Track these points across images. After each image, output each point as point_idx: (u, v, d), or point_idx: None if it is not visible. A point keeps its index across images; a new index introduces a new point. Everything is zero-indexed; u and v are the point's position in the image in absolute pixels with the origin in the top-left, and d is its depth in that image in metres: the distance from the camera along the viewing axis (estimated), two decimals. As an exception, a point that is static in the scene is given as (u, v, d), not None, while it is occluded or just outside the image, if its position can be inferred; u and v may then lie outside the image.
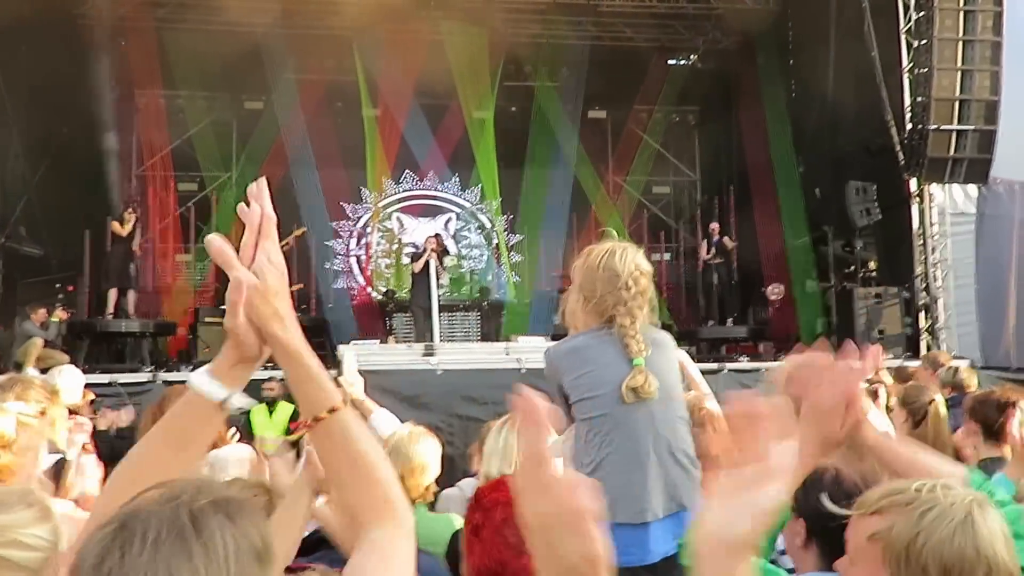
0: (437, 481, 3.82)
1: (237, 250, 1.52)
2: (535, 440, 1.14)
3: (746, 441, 1.18)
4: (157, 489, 1.23)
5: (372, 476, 1.57)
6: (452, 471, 5.18)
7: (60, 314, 14.16)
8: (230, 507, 1.22)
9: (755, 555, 1.19)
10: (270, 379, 10.78)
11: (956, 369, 7.09)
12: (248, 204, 1.57)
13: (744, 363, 13.50)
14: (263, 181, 1.60)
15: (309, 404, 1.54)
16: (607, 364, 3.30)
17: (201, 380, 1.55)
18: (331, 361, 10.99)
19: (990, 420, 4.35)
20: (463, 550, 2.22)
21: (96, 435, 5.74)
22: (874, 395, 4.37)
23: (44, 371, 6.40)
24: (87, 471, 4.05)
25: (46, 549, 2.02)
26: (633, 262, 3.43)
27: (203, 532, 1.16)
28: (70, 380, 5.89)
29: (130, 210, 15.72)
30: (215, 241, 1.48)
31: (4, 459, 3.13)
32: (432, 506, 3.86)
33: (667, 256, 20.45)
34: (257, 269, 1.51)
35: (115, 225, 15.14)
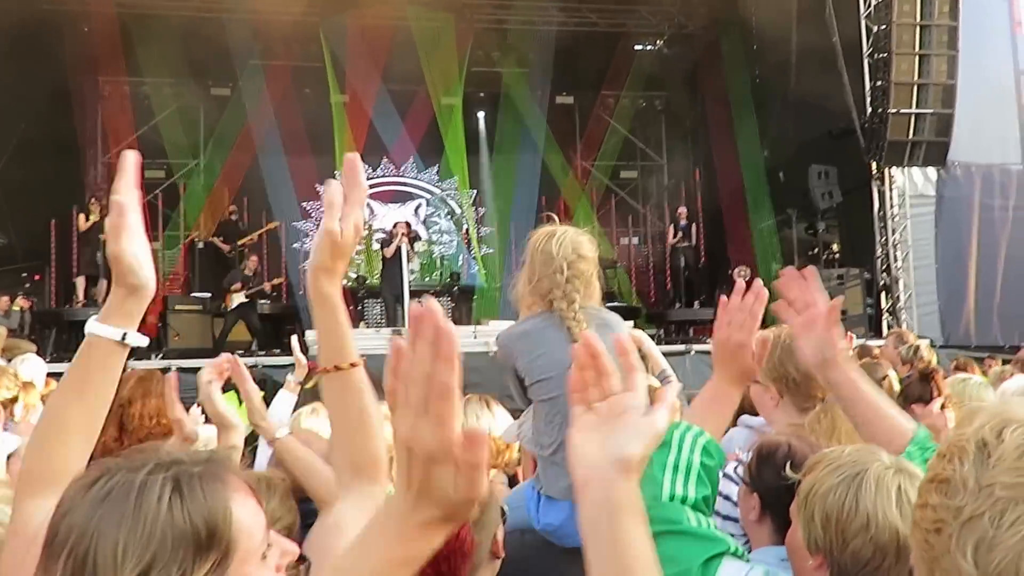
0: None
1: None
2: (443, 368, 1.04)
3: (597, 375, 1.24)
4: (147, 452, 1.29)
5: (372, 432, 1.68)
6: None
7: (21, 302, 14.03)
8: (189, 484, 1.23)
9: (639, 477, 1.22)
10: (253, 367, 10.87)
11: (916, 347, 7.28)
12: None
13: (711, 345, 13.62)
14: (357, 157, 1.68)
15: (334, 353, 1.67)
16: (556, 347, 3.22)
17: (95, 325, 1.61)
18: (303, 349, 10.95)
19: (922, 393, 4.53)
20: None
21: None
22: None
23: (8, 360, 6.43)
24: None
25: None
26: (570, 246, 3.35)
27: (142, 501, 1.19)
28: (33, 369, 5.94)
29: (94, 200, 15.63)
30: (335, 187, 1.63)
31: None
32: None
33: (635, 240, 20.65)
34: (343, 227, 1.63)
35: (80, 219, 15.08)
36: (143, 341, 1.66)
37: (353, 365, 1.67)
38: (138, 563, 1.16)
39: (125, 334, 1.62)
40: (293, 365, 5.56)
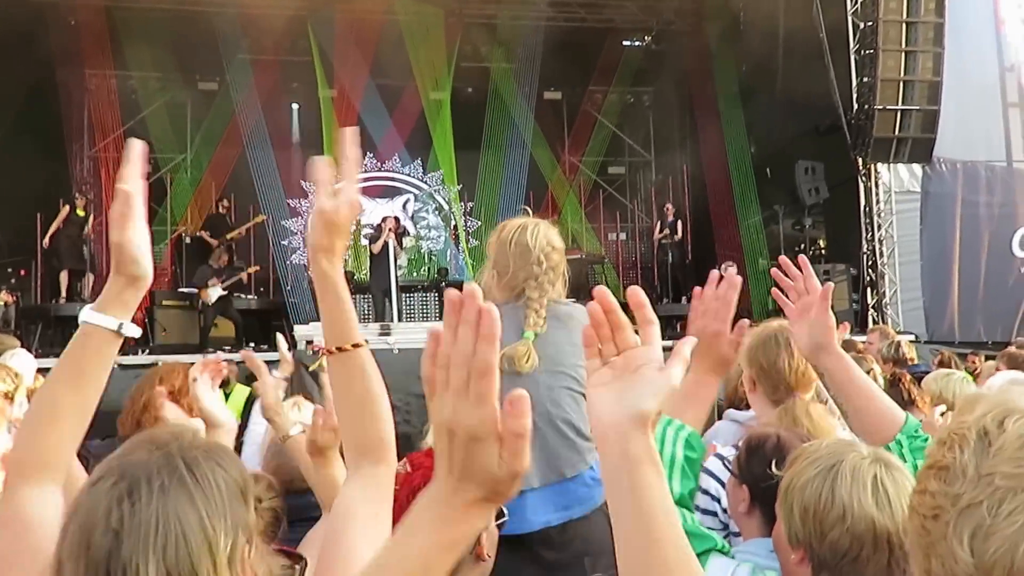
0: None
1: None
2: (485, 348, 1.06)
3: (612, 333, 1.27)
4: (142, 440, 1.34)
5: (378, 413, 1.69)
6: (409, 449, 5.27)
7: (6, 297, 13.92)
8: (215, 453, 1.34)
9: (653, 431, 1.26)
10: (223, 360, 10.79)
11: (898, 344, 7.32)
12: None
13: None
14: (356, 130, 1.69)
15: (337, 334, 1.68)
16: (505, 337, 3.13)
17: (91, 314, 1.63)
18: (290, 344, 10.99)
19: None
20: None
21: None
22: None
23: None
24: None
25: None
26: (545, 237, 3.36)
27: (199, 477, 1.28)
28: (22, 364, 5.79)
29: (79, 195, 15.56)
30: (321, 164, 1.64)
31: None
32: None
33: (623, 235, 20.70)
34: (338, 205, 1.64)
35: (65, 212, 14.98)
36: (137, 332, 1.69)
37: (356, 346, 1.67)
38: (227, 531, 1.27)
39: (121, 324, 1.64)
40: (279, 361, 5.50)
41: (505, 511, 2.49)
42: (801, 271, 2.36)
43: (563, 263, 3.41)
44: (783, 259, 2.40)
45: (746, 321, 2.19)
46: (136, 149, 1.67)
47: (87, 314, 1.63)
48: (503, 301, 3.30)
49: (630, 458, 1.23)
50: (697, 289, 2.20)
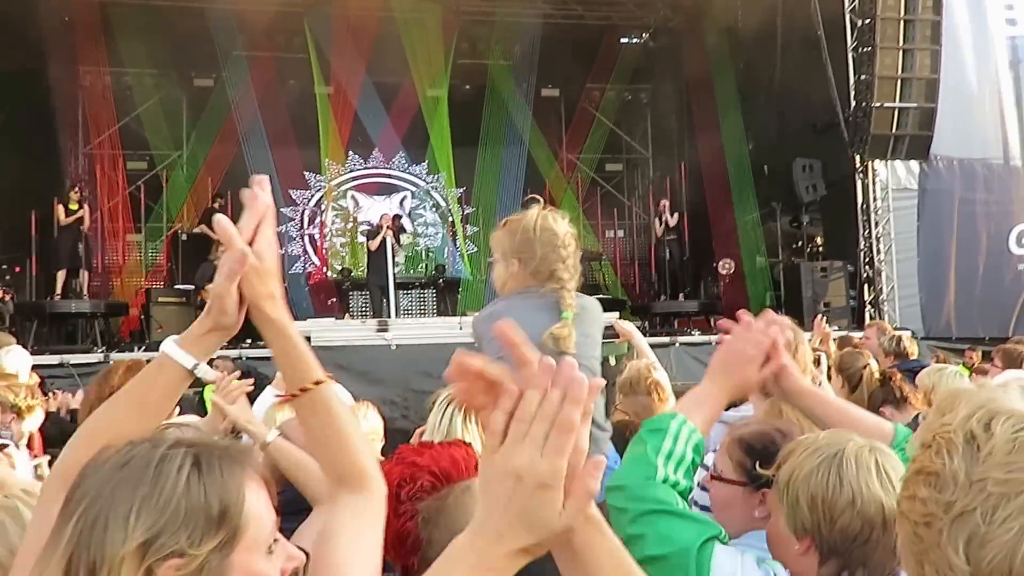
0: (383, 452, 3.91)
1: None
2: (571, 408, 1.07)
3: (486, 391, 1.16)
4: (171, 427, 1.38)
5: (349, 445, 1.68)
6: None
7: (1, 294, 13.94)
8: (208, 462, 1.31)
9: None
10: (218, 358, 10.84)
11: (899, 338, 7.32)
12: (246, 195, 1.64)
13: (695, 336, 13.74)
14: (264, 178, 1.66)
15: (295, 376, 1.65)
16: (528, 322, 3.00)
17: (172, 348, 1.63)
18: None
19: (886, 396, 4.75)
20: None
21: (48, 417, 5.75)
22: (816, 362, 4.59)
23: None
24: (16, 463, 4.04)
25: None
26: (564, 224, 3.42)
27: (161, 472, 1.27)
28: (17, 360, 5.91)
29: (76, 190, 15.56)
30: (222, 219, 1.59)
31: None
32: None
33: (620, 233, 20.70)
34: (258, 251, 1.60)
35: (59, 211, 15.01)
36: (212, 376, 1.69)
37: (318, 383, 1.65)
38: (149, 528, 1.23)
39: (196, 365, 1.63)
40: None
41: None
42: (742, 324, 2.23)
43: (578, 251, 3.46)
44: (723, 323, 2.26)
45: (787, 364, 2.15)
46: (258, 202, 1.63)
47: (167, 345, 1.64)
48: (524, 289, 3.34)
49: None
50: (744, 313, 2.19)
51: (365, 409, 4.02)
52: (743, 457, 2.44)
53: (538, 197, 3.81)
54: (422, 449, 2.26)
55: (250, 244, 1.60)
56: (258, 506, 1.34)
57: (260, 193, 1.63)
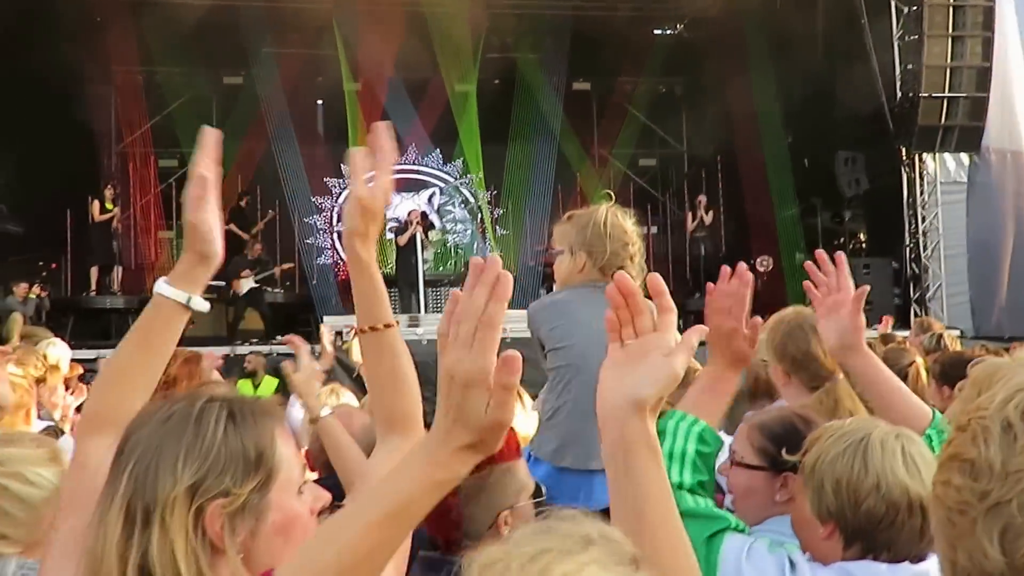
0: None
1: None
2: (495, 305, 1.18)
3: (630, 315, 1.34)
4: (209, 385, 1.64)
5: (405, 389, 1.84)
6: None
7: (37, 291, 14.18)
8: (241, 413, 1.48)
9: (654, 416, 1.32)
10: (250, 354, 10.82)
11: (939, 336, 7.08)
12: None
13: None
14: (388, 125, 1.80)
15: (369, 314, 1.82)
16: (586, 316, 3.29)
17: (164, 287, 1.76)
18: (314, 337, 10.98)
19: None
20: None
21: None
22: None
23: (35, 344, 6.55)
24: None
25: (48, 489, 2.24)
26: (631, 222, 3.58)
27: (200, 423, 1.44)
28: (58, 354, 6.04)
29: (109, 187, 15.75)
30: (358, 154, 1.74)
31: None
32: None
33: (654, 229, 20.33)
34: (374, 195, 1.77)
35: (93, 208, 15.34)
36: (205, 306, 1.80)
37: (387, 326, 1.82)
38: (195, 472, 1.40)
39: (190, 298, 1.76)
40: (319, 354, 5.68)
41: (543, 489, 2.52)
42: (836, 267, 2.43)
43: None
44: (820, 253, 2.48)
45: (759, 318, 2.22)
46: (210, 136, 1.79)
47: (160, 286, 1.77)
48: (591, 282, 3.43)
49: (626, 442, 1.30)
50: (710, 285, 2.24)
51: None
52: (765, 442, 2.51)
53: (611, 193, 3.99)
54: None
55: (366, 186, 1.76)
56: (288, 451, 1.52)
57: (386, 142, 1.76)
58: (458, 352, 1.17)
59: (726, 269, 2.22)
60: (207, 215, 1.74)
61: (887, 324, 6.66)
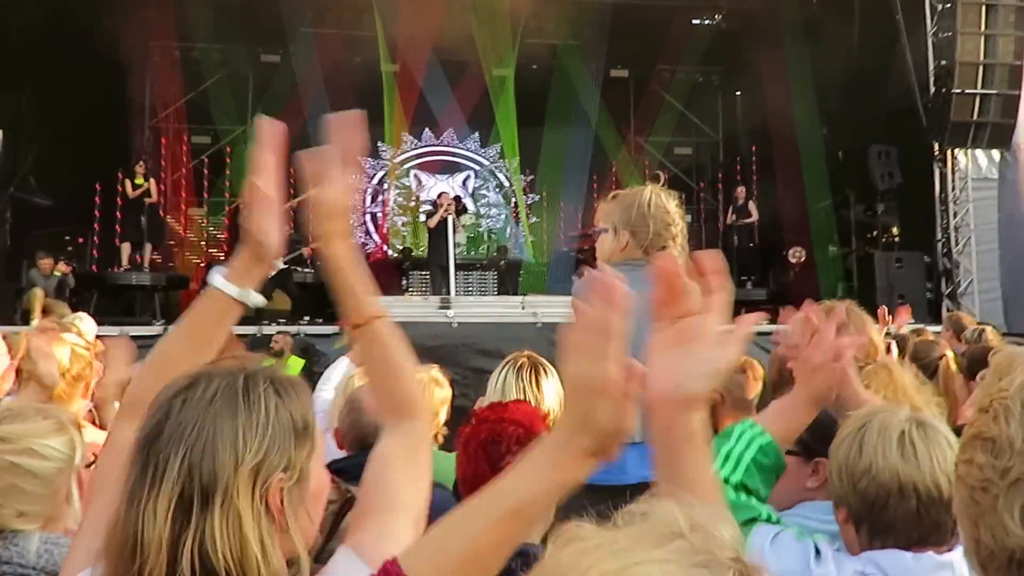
0: (447, 425, 4.00)
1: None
2: (617, 318, 1.19)
3: (674, 297, 1.32)
4: (231, 358, 1.55)
5: (401, 375, 1.83)
6: (463, 422, 5.15)
7: (62, 267, 14.11)
8: (281, 385, 1.48)
9: (705, 407, 1.33)
10: (277, 333, 10.87)
11: (982, 330, 7.01)
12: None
13: (763, 326, 13.39)
14: (360, 113, 1.83)
15: (356, 310, 1.81)
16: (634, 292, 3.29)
17: (219, 280, 1.77)
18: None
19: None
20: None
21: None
22: (887, 348, 4.47)
23: (61, 318, 6.60)
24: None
25: (60, 460, 2.24)
26: (674, 204, 3.57)
27: (251, 398, 1.43)
28: (86, 329, 6.00)
29: (140, 164, 15.70)
30: (305, 156, 1.77)
31: (59, 386, 3.47)
32: (442, 447, 3.99)
33: (688, 218, 20.26)
34: (339, 190, 1.79)
35: (127, 185, 15.29)
36: (261, 301, 1.83)
37: (375, 319, 1.80)
38: (258, 450, 1.40)
39: (242, 293, 1.79)
40: (339, 333, 5.67)
41: None
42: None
43: None
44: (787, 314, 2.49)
45: (853, 372, 2.30)
46: (267, 130, 1.81)
47: (216, 279, 1.78)
48: (633, 260, 3.44)
49: (674, 436, 1.31)
50: (800, 314, 2.24)
51: (434, 378, 4.06)
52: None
53: (660, 173, 3.92)
54: (495, 408, 2.50)
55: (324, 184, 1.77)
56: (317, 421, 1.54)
57: (348, 136, 1.81)
58: (583, 361, 1.19)
59: (842, 310, 2.26)
60: (264, 222, 1.76)
61: (905, 316, 6.61)
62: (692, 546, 0.97)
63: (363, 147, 1.83)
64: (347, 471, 2.91)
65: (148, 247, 15.74)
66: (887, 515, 1.98)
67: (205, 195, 19.00)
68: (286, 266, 14.78)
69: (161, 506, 1.35)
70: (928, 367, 4.89)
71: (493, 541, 1.25)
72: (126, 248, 15.56)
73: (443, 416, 4.02)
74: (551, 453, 1.24)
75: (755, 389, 4.61)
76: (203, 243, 18.99)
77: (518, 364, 3.81)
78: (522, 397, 3.52)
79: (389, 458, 1.76)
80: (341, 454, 3.35)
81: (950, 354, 5.07)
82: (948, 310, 13.44)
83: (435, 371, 4.15)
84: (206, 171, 18.79)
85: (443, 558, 1.27)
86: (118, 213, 15.91)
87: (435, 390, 4.01)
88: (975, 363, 4.63)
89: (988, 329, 7.23)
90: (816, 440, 2.35)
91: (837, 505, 2.09)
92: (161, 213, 17.11)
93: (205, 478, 1.36)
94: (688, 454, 1.32)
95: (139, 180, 15.34)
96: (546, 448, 1.25)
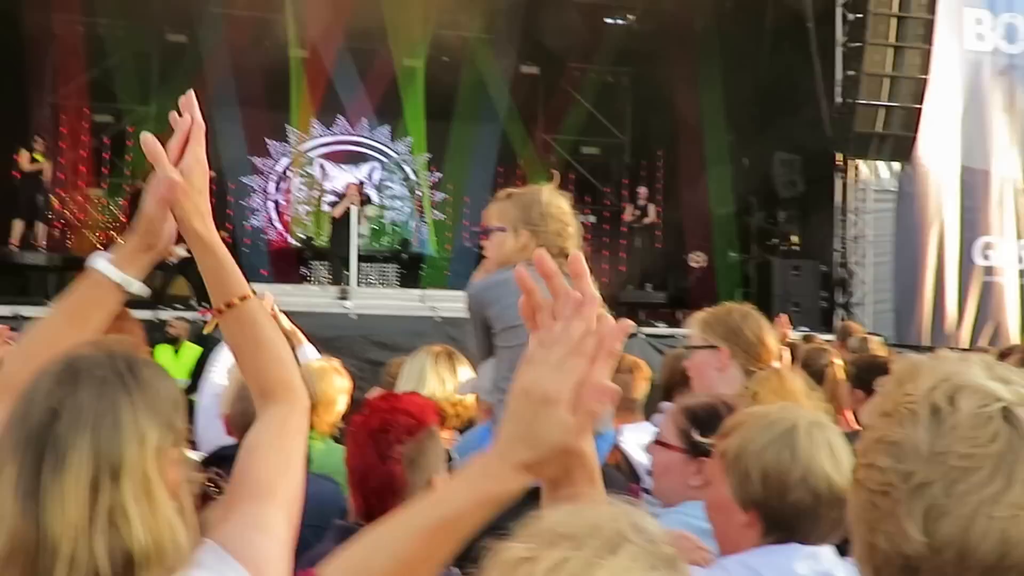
0: (344, 418, 3.95)
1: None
2: (592, 342, 1.17)
3: (550, 301, 1.26)
4: (88, 343, 1.51)
5: (276, 356, 1.79)
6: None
7: None
8: (151, 364, 1.51)
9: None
10: (176, 318, 10.62)
11: (865, 339, 7.19)
12: (180, 114, 1.74)
13: (660, 328, 13.54)
14: (192, 93, 1.76)
15: (222, 291, 1.76)
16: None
17: (103, 264, 1.74)
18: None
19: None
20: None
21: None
22: (780, 356, 4.56)
23: None
24: None
25: None
26: (567, 204, 3.60)
27: (137, 376, 1.43)
28: None
29: (39, 140, 15.24)
30: (148, 138, 1.67)
31: None
32: (337, 440, 3.96)
33: (592, 218, 20.39)
34: (185, 168, 1.70)
35: (23, 158, 14.71)
36: (144, 291, 1.81)
37: (243, 298, 1.76)
38: (157, 428, 1.40)
39: (130, 282, 1.77)
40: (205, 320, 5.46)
41: (454, 456, 2.65)
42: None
43: None
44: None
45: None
46: (185, 119, 1.75)
47: (99, 263, 1.75)
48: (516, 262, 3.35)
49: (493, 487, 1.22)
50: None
51: (328, 375, 4.02)
52: (687, 425, 2.54)
53: (554, 172, 4.06)
54: (388, 398, 2.54)
55: (177, 163, 1.70)
56: None
57: (187, 114, 1.73)
58: (542, 372, 1.17)
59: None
60: (158, 210, 1.72)
61: (784, 324, 6.69)
62: (642, 549, 0.98)
63: (200, 125, 1.75)
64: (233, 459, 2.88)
65: (42, 226, 15.28)
66: (811, 523, 1.98)
67: (105, 174, 18.44)
68: (189, 255, 14.55)
69: (69, 494, 1.32)
70: (817, 374, 5.02)
71: (420, 556, 1.22)
72: (18, 225, 15.02)
73: (341, 405, 4.00)
74: (485, 464, 1.22)
75: (643, 389, 4.68)
76: (101, 225, 18.46)
77: (435, 353, 3.84)
78: (439, 385, 3.57)
79: (258, 444, 1.72)
80: (232, 441, 3.29)
81: (838, 362, 5.18)
82: (842, 319, 13.74)
83: (335, 362, 4.17)
84: (107, 153, 18.26)
85: (367, 570, 1.23)
86: (11, 187, 15.32)
87: (334, 378, 3.99)
88: (863, 371, 4.81)
89: (873, 339, 7.43)
90: (701, 437, 2.39)
91: (743, 507, 2.02)
92: (59, 192, 16.61)
93: (114, 458, 1.35)
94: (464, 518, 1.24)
95: (38, 156, 14.84)
96: (483, 459, 1.23)
